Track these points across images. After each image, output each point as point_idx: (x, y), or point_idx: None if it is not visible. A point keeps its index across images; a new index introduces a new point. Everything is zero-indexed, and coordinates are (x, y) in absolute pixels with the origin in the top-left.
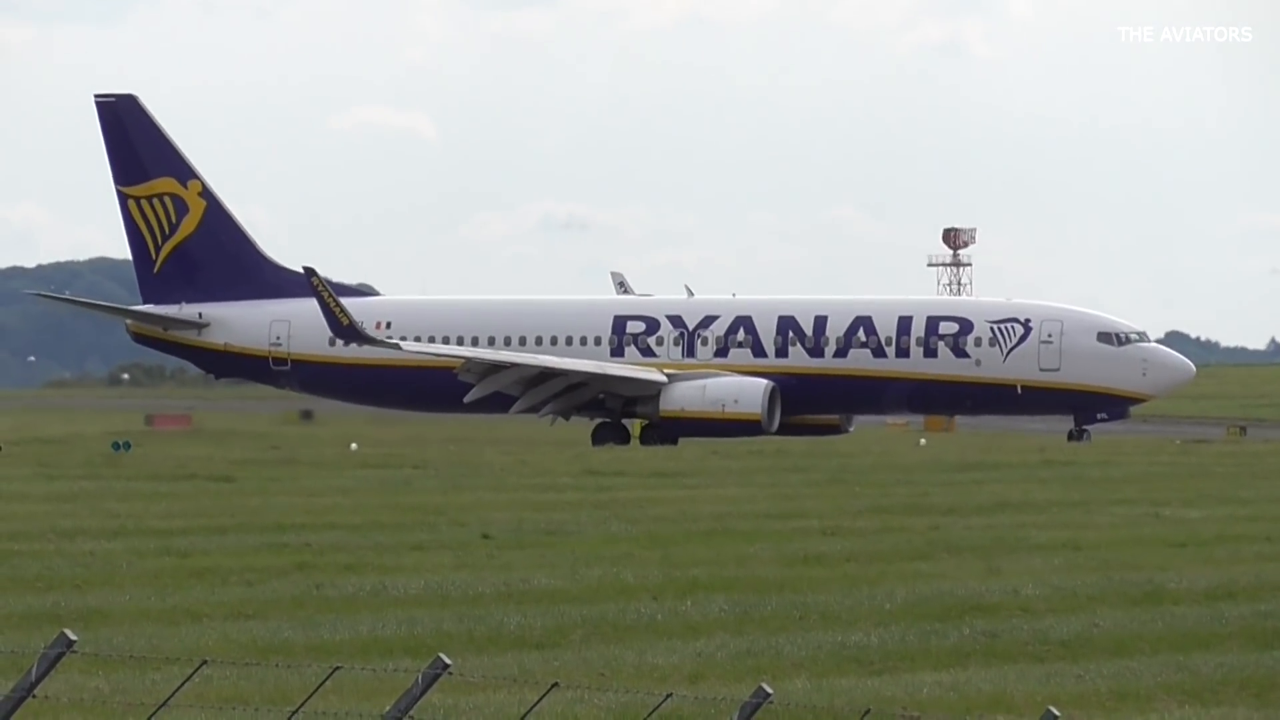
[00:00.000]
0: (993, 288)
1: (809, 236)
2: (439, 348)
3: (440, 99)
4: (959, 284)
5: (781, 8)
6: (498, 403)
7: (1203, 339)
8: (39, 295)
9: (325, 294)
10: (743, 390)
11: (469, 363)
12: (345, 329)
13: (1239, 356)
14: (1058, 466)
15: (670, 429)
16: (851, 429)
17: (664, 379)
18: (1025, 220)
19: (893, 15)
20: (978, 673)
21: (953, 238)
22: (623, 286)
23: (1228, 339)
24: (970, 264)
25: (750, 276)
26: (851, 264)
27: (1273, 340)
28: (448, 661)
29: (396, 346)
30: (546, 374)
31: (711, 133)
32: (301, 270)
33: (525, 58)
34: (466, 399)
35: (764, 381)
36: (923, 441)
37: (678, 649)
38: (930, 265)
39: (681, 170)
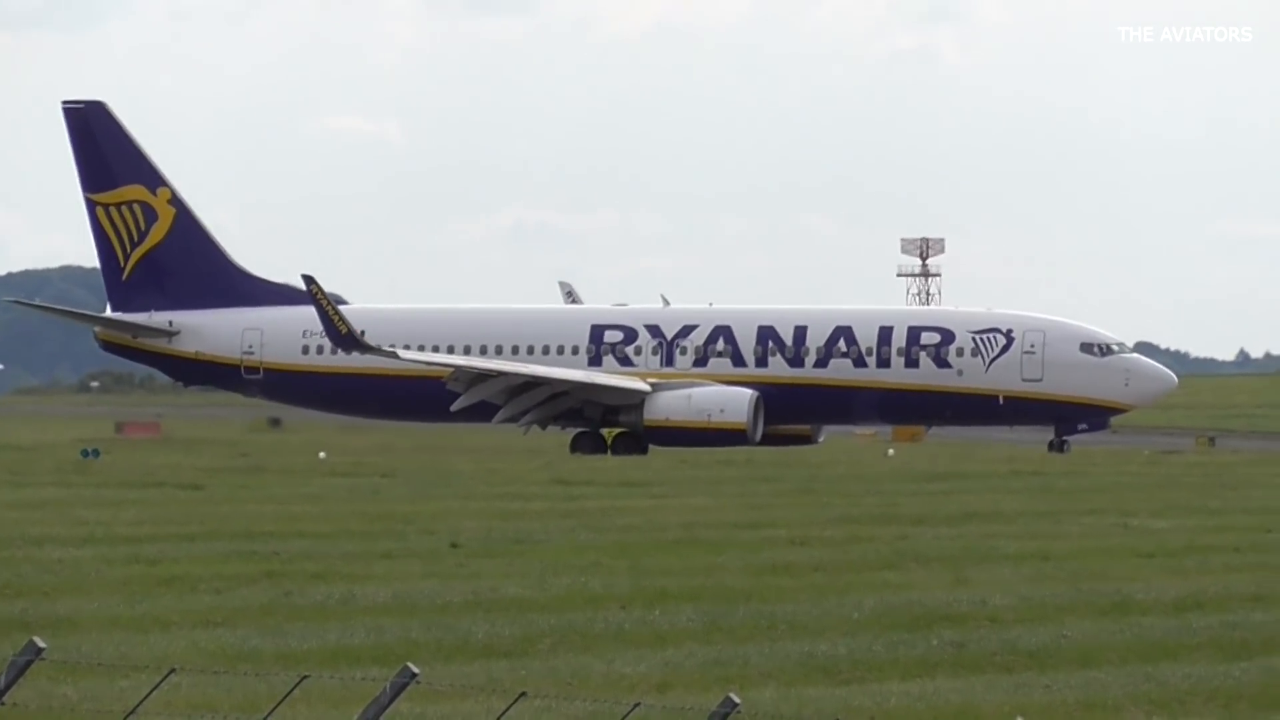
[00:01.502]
0: (962, 297)
1: (780, 244)
2: (436, 356)
3: (410, 106)
4: (928, 294)
5: (753, 15)
6: (481, 412)
7: (1172, 350)
8: (14, 302)
9: (324, 302)
10: (728, 400)
11: (457, 371)
12: (344, 338)
13: (1208, 367)
14: (1026, 477)
15: (655, 438)
16: (822, 439)
17: (648, 388)
18: (995, 230)
19: (864, 23)
20: (946, 683)
21: (922, 247)
22: (570, 296)
23: (1197, 350)
24: (939, 274)
25: (721, 285)
26: (821, 273)
27: (1241, 351)
28: (416, 670)
29: (395, 355)
30: (532, 383)
31: (682, 140)
32: (269, 279)
33: (495, 65)
34: (454, 407)
35: (749, 391)
36: (891, 452)
37: (646, 658)
38: (900, 275)
39: (652, 178)
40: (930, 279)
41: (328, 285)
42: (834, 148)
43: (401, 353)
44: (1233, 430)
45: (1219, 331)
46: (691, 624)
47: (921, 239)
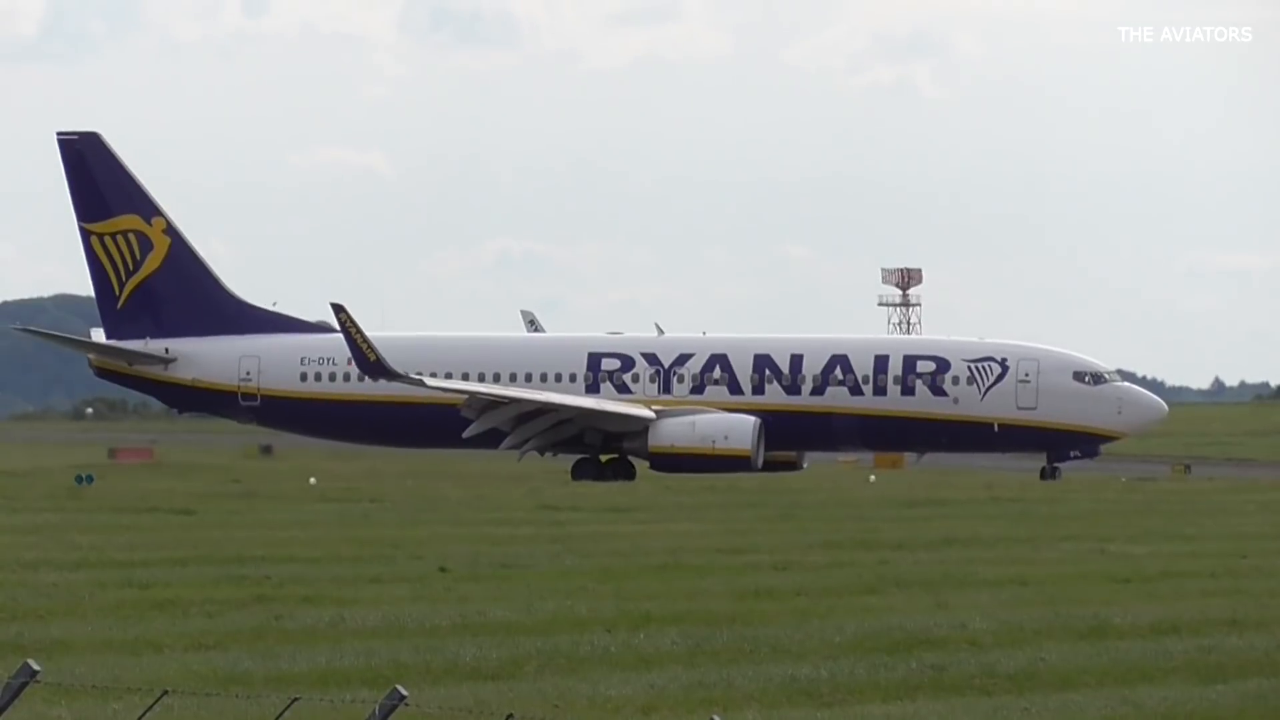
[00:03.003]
0: (940, 327)
1: (762, 275)
2: (458, 384)
3: (397, 138)
4: (908, 323)
5: (735, 49)
6: (487, 439)
7: (1148, 378)
8: (21, 329)
9: (354, 330)
10: (732, 427)
11: (470, 398)
12: (372, 365)
13: (1183, 396)
14: (1005, 503)
15: (660, 464)
16: (806, 465)
17: (652, 415)
18: (972, 260)
19: (844, 57)
20: (926, 705)
21: (902, 277)
22: (533, 325)
23: (1172, 379)
24: (919, 304)
25: (703, 314)
26: (802, 302)
27: (1216, 380)
28: (404, 693)
29: (420, 383)
30: (540, 410)
31: (665, 172)
32: (269, 305)
33: (482, 97)
34: (465, 434)
35: (752, 418)
36: (872, 478)
37: (631, 681)
38: (881, 304)
39: (635, 209)
40: (910, 308)
41: (316, 314)
42: (815, 179)
43: (428, 380)
44: (1208, 458)
45: (1194, 360)
46: (676, 647)
47: (901, 269)
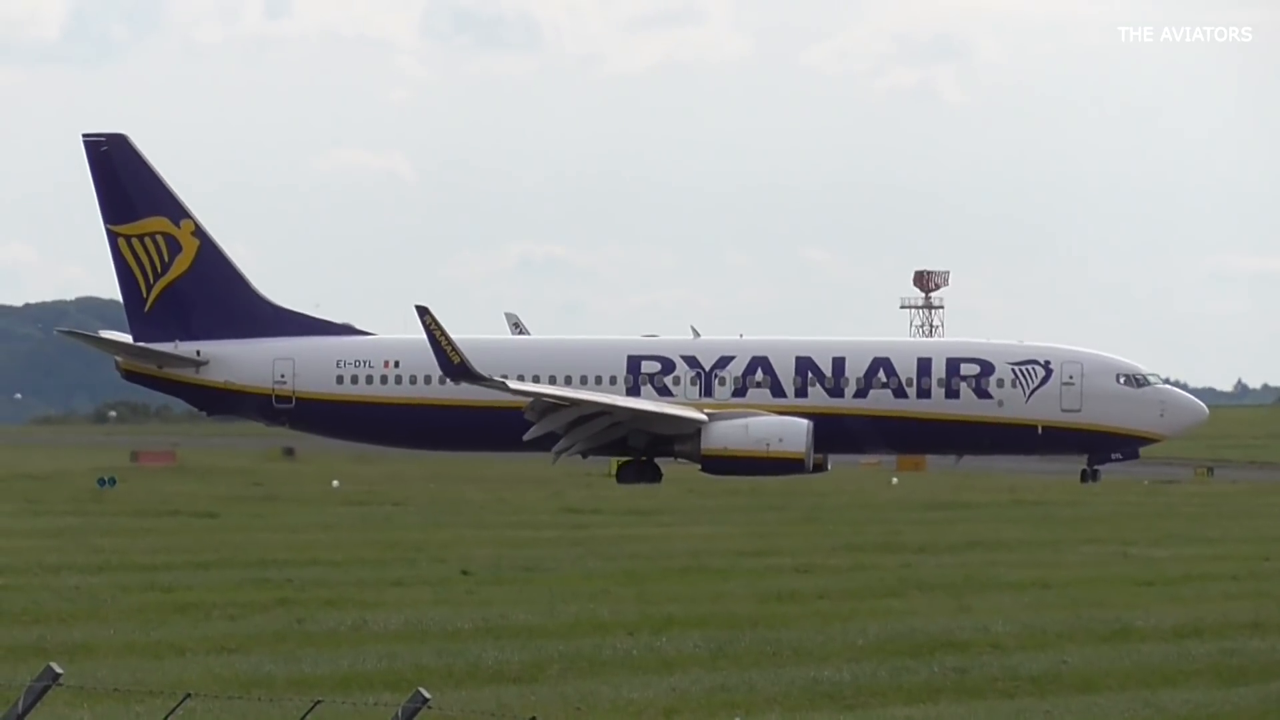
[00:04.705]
0: (964, 329)
1: (783, 279)
2: (538, 387)
3: (420, 141)
4: (931, 326)
5: (755, 54)
6: (541, 442)
7: (1171, 380)
8: (64, 332)
9: (438, 333)
10: (786, 429)
11: (535, 400)
12: (455, 368)
13: (1206, 398)
14: (1028, 506)
15: (712, 467)
16: (830, 468)
17: (704, 418)
18: (993, 263)
19: (866, 61)
20: (948, 708)
21: (925, 280)
22: (518, 328)
23: (1196, 380)
24: (943, 306)
25: (725, 317)
26: (824, 305)
27: (1240, 382)
28: (427, 696)
29: (504, 386)
30: (599, 413)
31: (686, 176)
32: (312, 308)
33: (504, 101)
34: (526, 437)
35: (805, 421)
36: (895, 480)
37: (653, 684)
38: (903, 307)
39: (657, 212)
40: (933, 311)
41: (339, 317)
42: (835, 183)
43: (511, 383)
44: (1230, 460)
45: (1217, 362)
46: (698, 650)
47: (924, 271)
